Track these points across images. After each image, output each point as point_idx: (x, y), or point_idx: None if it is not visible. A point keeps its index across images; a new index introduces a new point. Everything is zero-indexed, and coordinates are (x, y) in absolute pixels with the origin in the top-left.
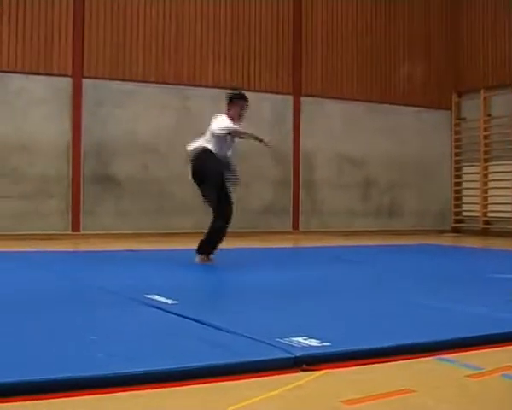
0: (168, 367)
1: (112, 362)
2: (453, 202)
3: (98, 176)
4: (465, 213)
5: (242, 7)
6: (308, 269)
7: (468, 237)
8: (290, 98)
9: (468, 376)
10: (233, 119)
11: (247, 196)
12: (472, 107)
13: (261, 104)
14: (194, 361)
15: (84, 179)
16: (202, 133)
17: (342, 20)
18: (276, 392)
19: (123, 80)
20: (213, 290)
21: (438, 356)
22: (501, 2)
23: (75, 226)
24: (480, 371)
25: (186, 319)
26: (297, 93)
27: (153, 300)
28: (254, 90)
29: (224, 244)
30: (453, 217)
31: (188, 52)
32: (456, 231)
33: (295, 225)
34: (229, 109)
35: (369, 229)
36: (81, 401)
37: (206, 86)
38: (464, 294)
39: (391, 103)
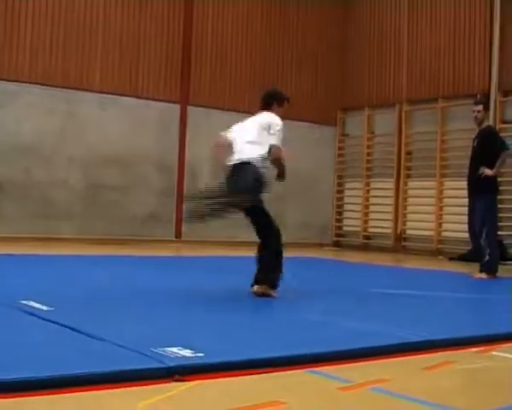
0: (38, 375)
1: None
2: (335, 217)
3: None
4: (346, 228)
5: (133, 11)
6: (187, 279)
7: (349, 251)
8: (177, 107)
9: (338, 388)
10: None
11: (129, 203)
12: (356, 124)
13: (147, 111)
14: (67, 370)
15: None
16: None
17: (233, 31)
18: (148, 402)
19: (7, 80)
20: (91, 298)
21: (309, 369)
22: (387, 25)
23: None
24: (351, 383)
25: (61, 327)
26: (184, 102)
27: (28, 306)
28: (141, 97)
29: (105, 251)
30: (335, 231)
31: (76, 55)
32: (336, 244)
33: (178, 234)
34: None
35: (253, 240)
36: None
37: (93, 91)
38: (341, 307)
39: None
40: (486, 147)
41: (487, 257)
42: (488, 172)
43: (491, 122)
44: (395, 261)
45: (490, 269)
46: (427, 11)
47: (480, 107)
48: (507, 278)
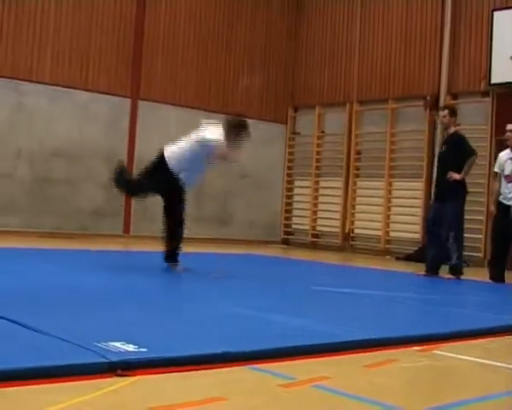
0: None
1: None
2: (283, 215)
3: None
4: (294, 226)
5: (85, 4)
6: (134, 274)
7: (297, 249)
8: (128, 101)
9: (279, 385)
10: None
11: (77, 196)
12: (306, 122)
13: (97, 105)
14: (6, 364)
15: None
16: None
17: (185, 27)
18: (88, 397)
19: None
20: (36, 292)
21: (251, 365)
22: (340, 24)
23: None
24: (292, 380)
25: (3, 320)
26: (135, 96)
27: None
28: (91, 91)
29: (52, 245)
30: (283, 229)
31: (26, 46)
32: (285, 242)
33: (126, 229)
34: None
35: (200, 236)
36: None
37: (43, 83)
38: (285, 305)
39: (228, 113)
40: (454, 152)
41: (455, 261)
42: (456, 176)
43: (439, 125)
44: (342, 260)
45: (456, 271)
46: (380, 12)
47: (445, 112)
48: (467, 280)
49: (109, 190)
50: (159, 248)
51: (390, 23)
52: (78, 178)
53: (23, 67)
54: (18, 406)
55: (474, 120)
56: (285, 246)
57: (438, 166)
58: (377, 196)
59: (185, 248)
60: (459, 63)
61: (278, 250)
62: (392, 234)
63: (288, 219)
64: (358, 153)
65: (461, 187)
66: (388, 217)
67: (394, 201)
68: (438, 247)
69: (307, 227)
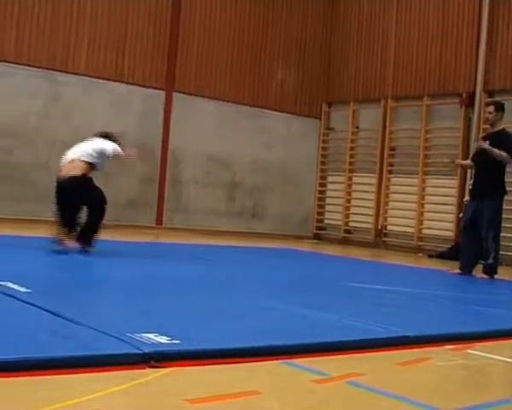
0: (12, 357)
1: None
2: (316, 210)
3: None
4: (327, 221)
5: None
6: (166, 266)
7: (329, 244)
8: (162, 93)
9: (313, 381)
10: None
11: (111, 188)
12: (341, 118)
13: (132, 97)
14: (41, 352)
15: None
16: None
17: (220, 20)
18: (121, 387)
19: None
20: (70, 282)
21: (285, 360)
22: (375, 21)
23: None
24: (326, 376)
25: (37, 309)
26: (169, 89)
27: (5, 287)
28: (127, 82)
29: None
30: (315, 224)
31: (62, 37)
32: (317, 237)
33: (159, 221)
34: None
35: (233, 230)
36: None
37: (79, 74)
38: (317, 300)
39: (262, 107)
40: (501, 150)
41: (491, 260)
42: (484, 145)
43: (475, 122)
44: (374, 256)
45: (491, 271)
46: (416, 8)
47: (492, 108)
48: (500, 280)
49: (143, 181)
50: (191, 240)
51: (426, 19)
52: (112, 170)
53: (59, 59)
54: (54, 394)
55: (510, 119)
56: (317, 241)
57: (476, 164)
58: (411, 192)
59: (218, 241)
60: (496, 60)
61: (310, 245)
62: (424, 231)
63: (320, 214)
64: (392, 149)
65: (500, 186)
66: (421, 214)
67: (428, 198)
68: (475, 247)
69: (340, 223)
